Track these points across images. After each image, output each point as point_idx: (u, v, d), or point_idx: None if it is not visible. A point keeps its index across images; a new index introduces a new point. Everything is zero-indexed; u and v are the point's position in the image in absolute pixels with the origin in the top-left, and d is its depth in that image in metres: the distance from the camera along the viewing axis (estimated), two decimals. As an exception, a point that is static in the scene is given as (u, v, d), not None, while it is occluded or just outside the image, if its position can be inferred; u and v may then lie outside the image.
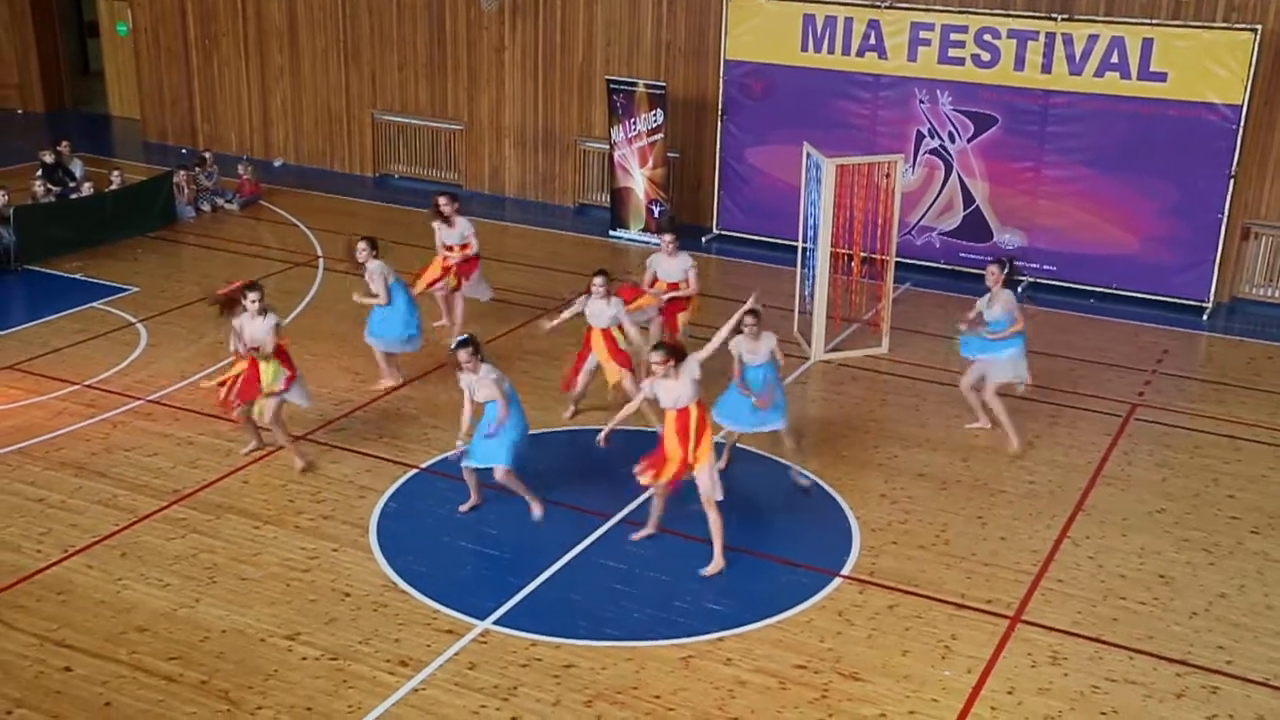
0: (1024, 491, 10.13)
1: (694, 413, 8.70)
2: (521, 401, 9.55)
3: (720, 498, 8.74)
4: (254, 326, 9.83)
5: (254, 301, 9.83)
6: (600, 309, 10.69)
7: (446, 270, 12.60)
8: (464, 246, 12.62)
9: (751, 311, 9.57)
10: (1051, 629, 8.29)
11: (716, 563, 8.80)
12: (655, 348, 8.89)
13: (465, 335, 9.43)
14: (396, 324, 11.36)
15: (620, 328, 10.72)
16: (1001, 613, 8.45)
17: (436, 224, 12.67)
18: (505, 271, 14.60)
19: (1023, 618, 8.40)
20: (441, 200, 12.63)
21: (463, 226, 12.63)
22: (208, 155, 17.89)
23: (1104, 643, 8.14)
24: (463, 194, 18.48)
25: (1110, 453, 10.82)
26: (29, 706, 7.25)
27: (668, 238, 11.71)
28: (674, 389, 8.67)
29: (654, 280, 11.66)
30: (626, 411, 9.24)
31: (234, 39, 19.81)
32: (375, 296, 11.26)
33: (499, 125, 18.32)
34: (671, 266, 11.64)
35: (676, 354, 8.69)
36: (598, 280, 10.64)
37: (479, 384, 9.18)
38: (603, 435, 9.03)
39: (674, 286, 11.62)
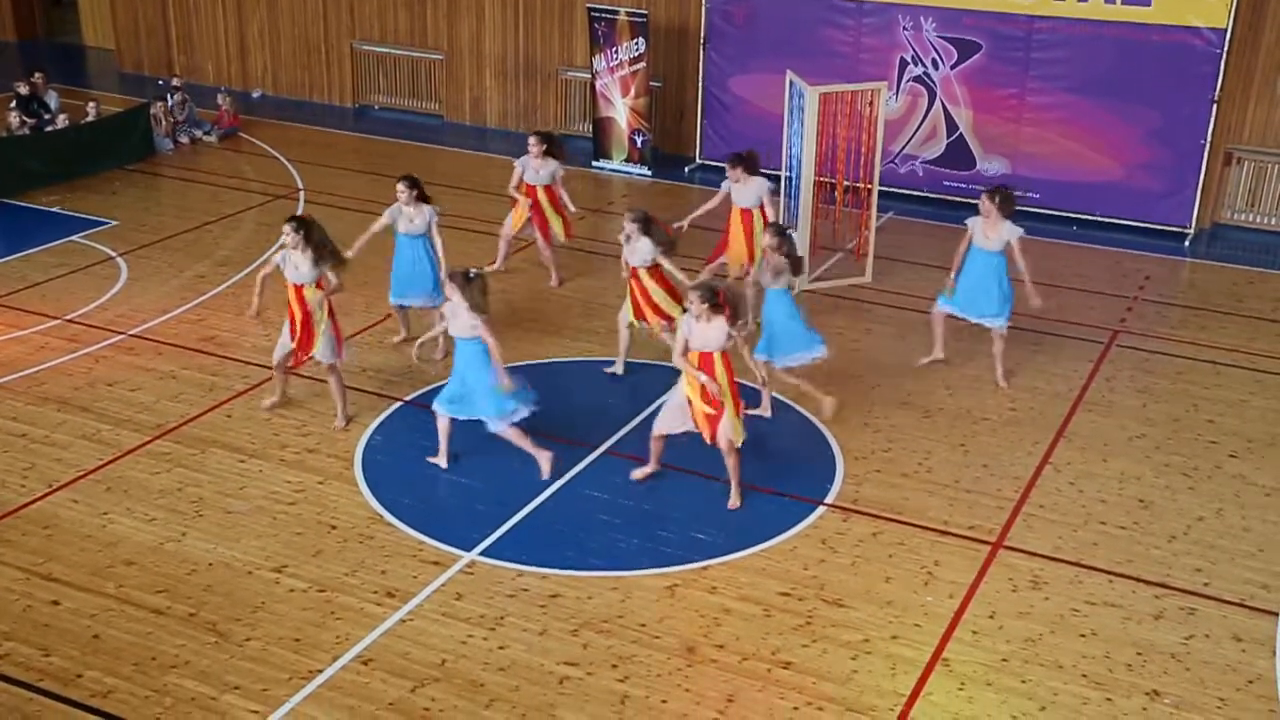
0: (1006, 419, 10.20)
1: (719, 361, 8.56)
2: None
3: (739, 442, 8.65)
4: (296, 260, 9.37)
5: (289, 234, 9.31)
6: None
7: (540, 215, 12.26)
8: (547, 188, 12.22)
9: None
10: (1033, 554, 8.39)
11: (735, 499, 8.81)
12: (694, 288, 8.54)
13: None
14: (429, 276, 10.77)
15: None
16: (983, 539, 8.54)
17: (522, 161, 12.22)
18: (487, 203, 14.50)
19: (1004, 543, 8.50)
20: (531, 140, 12.16)
21: (553, 166, 12.21)
22: (177, 83, 17.53)
23: (1084, 566, 8.25)
24: (443, 125, 18.37)
25: (1092, 379, 10.89)
26: (18, 639, 7.29)
27: (738, 168, 11.39)
28: (706, 332, 8.49)
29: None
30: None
31: (208, -33, 19.48)
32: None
33: (479, 54, 18.10)
34: (747, 193, 11.49)
35: (714, 298, 8.41)
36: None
37: (454, 312, 8.87)
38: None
39: (747, 214, 11.50)
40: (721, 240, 11.92)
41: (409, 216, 10.66)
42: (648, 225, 10.07)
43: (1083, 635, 7.58)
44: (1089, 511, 8.90)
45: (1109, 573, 8.19)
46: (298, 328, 9.49)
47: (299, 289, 9.42)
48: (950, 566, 8.23)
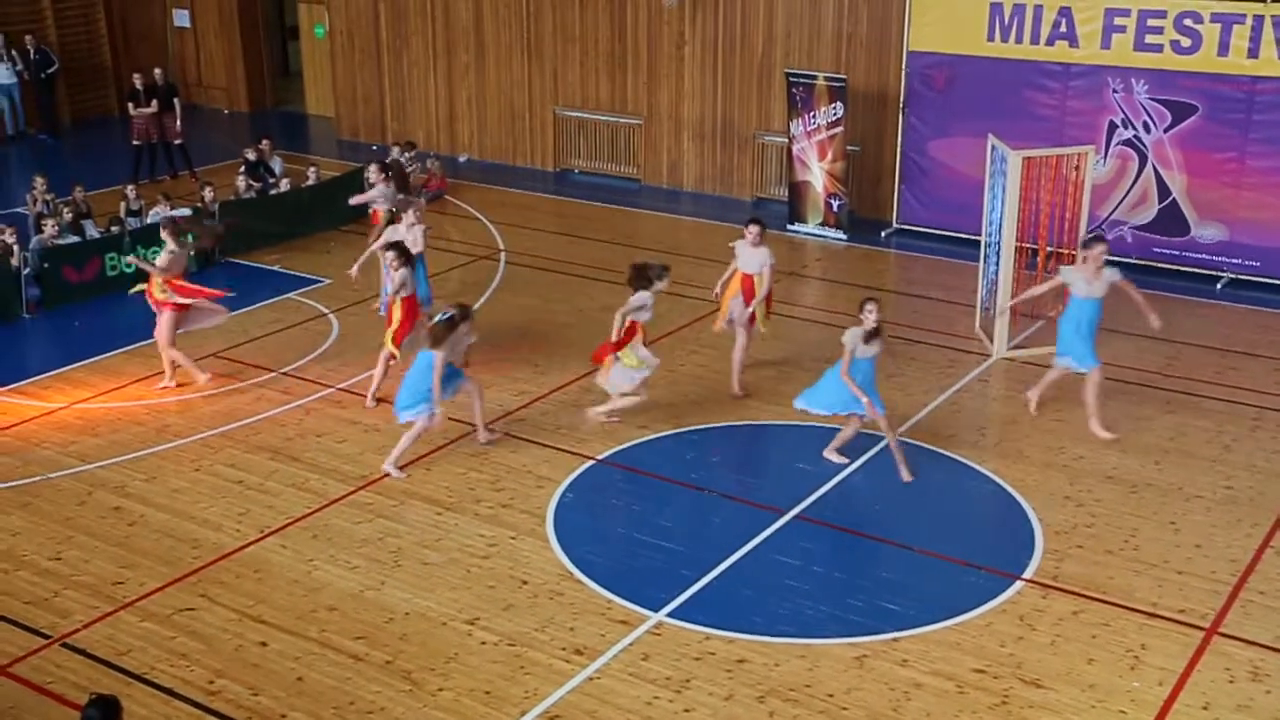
0: (1221, 497, 9.66)
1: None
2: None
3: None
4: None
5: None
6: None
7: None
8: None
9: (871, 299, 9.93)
10: (1252, 643, 7.88)
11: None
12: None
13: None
14: None
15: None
16: (1196, 624, 8.08)
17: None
18: (683, 264, 14.61)
19: (1220, 630, 8.01)
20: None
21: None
22: (408, 147, 18.42)
23: (1308, 660, 7.72)
24: (640, 188, 18.69)
25: (1317, 459, 10.24)
26: (230, 677, 7.62)
27: (754, 229, 11.36)
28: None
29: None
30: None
31: (423, 38, 20.40)
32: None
33: (678, 119, 18.40)
34: (754, 259, 11.38)
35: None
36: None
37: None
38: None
39: (748, 280, 11.40)
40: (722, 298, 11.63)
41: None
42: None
43: (1307, 733, 7.07)
44: (1314, 600, 8.33)
45: (1337, 667, 7.63)
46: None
47: None
48: (1159, 651, 7.81)
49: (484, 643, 7.95)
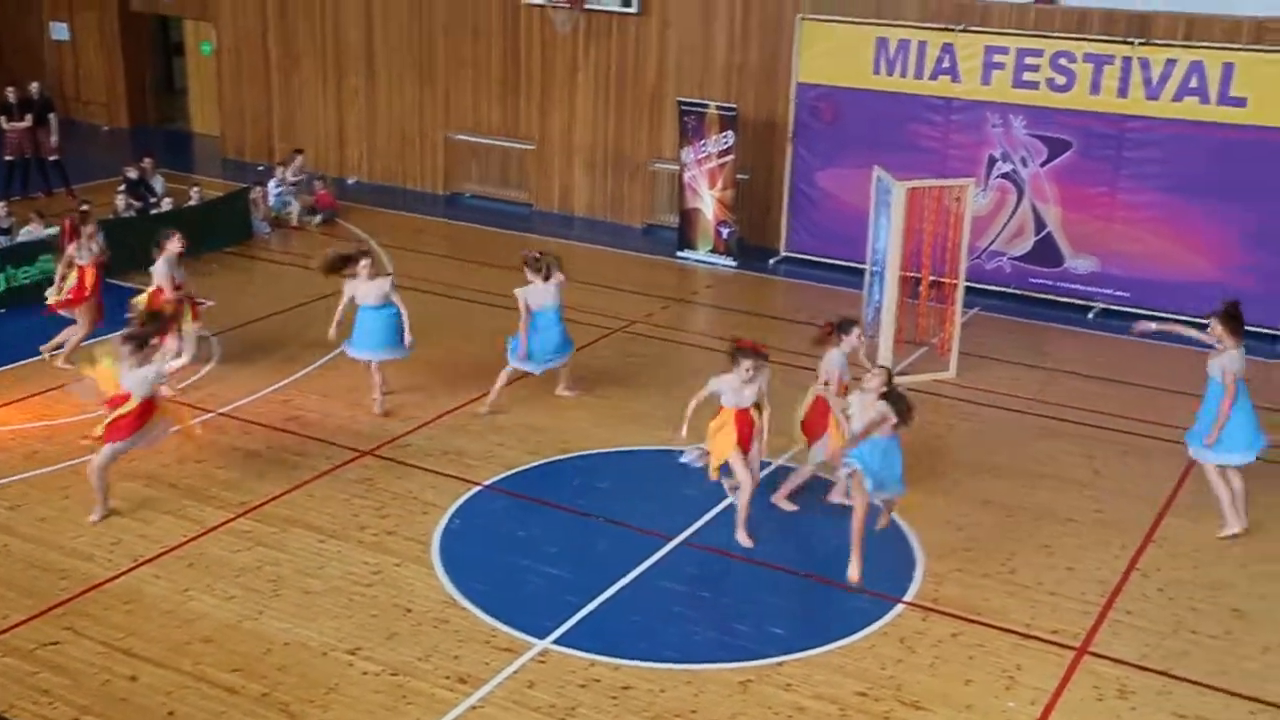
0: (1092, 521, 9.95)
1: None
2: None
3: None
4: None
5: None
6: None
7: None
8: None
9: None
10: (1119, 661, 8.12)
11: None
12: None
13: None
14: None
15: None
16: (1068, 644, 8.29)
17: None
18: (573, 290, 14.62)
19: (1089, 649, 8.24)
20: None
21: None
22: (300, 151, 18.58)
23: (1173, 677, 7.96)
24: (531, 213, 18.68)
25: (1183, 483, 10.59)
26: (95, 713, 7.37)
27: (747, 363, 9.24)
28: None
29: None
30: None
31: (313, 59, 20.16)
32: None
33: (570, 144, 18.44)
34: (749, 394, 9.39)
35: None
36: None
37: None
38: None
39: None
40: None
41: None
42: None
43: (1172, 750, 7.30)
44: (1179, 619, 8.60)
45: (1200, 684, 7.89)
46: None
47: None
48: (1033, 671, 8.00)
49: (365, 673, 7.82)
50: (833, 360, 9.71)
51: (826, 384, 9.66)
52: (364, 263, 11.29)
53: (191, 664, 7.85)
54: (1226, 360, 9.56)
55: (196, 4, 21.87)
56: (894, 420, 8.65)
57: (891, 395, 8.74)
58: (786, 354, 11.93)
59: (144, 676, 7.72)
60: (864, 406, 8.93)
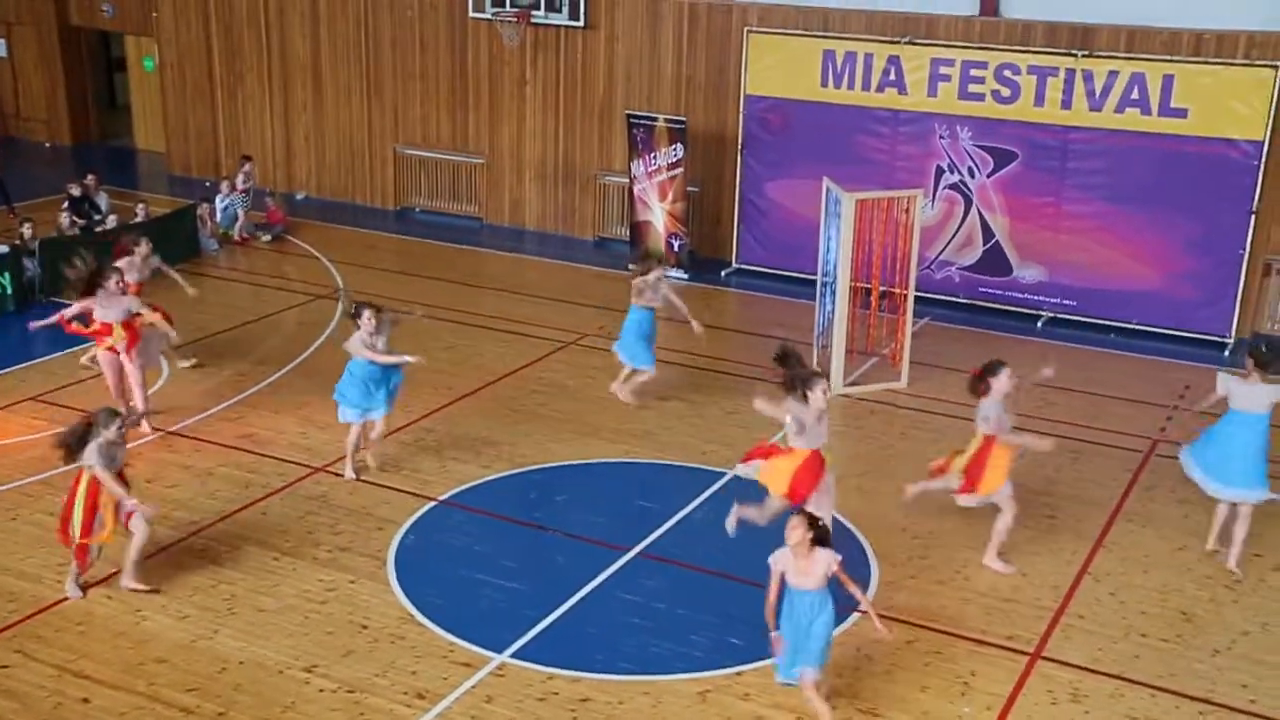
0: (1044, 527, 10.07)
1: None
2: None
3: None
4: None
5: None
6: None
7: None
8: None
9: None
10: (1072, 665, 8.22)
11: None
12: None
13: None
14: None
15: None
16: (1021, 649, 8.38)
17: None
18: (525, 304, 14.65)
19: (1043, 654, 8.34)
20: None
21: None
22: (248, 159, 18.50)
23: (1125, 680, 8.07)
24: (482, 227, 18.65)
25: (1131, 489, 10.76)
26: (47, 737, 7.27)
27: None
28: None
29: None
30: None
31: (258, 74, 20.02)
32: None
33: (520, 158, 18.43)
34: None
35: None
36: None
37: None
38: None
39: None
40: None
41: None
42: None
43: (1125, 751, 7.40)
44: (1130, 623, 8.73)
45: (1151, 687, 8.01)
46: None
47: None
48: (988, 677, 8.08)
49: (322, 690, 7.75)
50: (988, 408, 9.04)
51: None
52: (366, 314, 10.21)
53: (146, 685, 7.74)
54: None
55: (136, 19, 21.64)
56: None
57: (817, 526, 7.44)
58: (740, 364, 11.97)
59: (97, 699, 7.60)
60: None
